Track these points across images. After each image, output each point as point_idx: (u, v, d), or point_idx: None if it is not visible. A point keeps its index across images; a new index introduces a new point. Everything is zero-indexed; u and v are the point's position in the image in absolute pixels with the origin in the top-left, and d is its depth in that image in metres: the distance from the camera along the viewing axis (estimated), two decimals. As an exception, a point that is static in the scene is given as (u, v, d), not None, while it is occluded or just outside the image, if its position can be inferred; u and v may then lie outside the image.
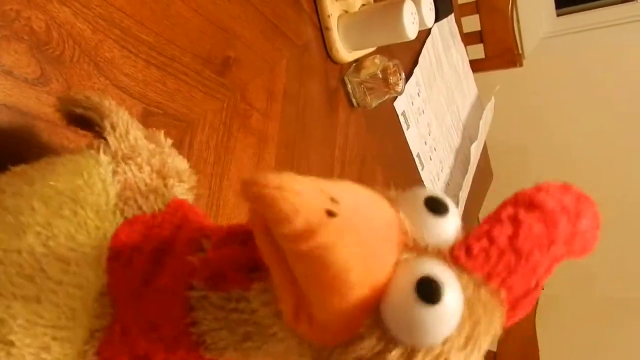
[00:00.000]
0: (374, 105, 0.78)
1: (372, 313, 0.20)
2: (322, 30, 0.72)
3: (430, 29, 1.07)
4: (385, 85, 0.76)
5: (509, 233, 0.21)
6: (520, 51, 1.36)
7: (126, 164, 0.30)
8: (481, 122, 1.22)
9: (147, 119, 0.44)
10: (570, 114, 1.84)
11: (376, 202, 0.20)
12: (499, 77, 1.35)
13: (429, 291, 0.19)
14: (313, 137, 0.69)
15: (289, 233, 0.16)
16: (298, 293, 0.20)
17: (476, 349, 0.21)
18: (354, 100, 0.78)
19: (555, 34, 1.88)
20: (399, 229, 0.21)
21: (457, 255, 0.21)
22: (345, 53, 0.73)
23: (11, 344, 0.23)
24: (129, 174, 0.30)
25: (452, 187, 1.12)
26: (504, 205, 0.22)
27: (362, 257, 0.18)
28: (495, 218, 0.22)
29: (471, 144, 1.17)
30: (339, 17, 0.73)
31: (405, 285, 0.19)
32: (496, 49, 1.35)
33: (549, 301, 1.27)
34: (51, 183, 0.26)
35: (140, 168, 0.30)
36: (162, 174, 0.31)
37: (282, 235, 0.17)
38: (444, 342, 0.20)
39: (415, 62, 1.00)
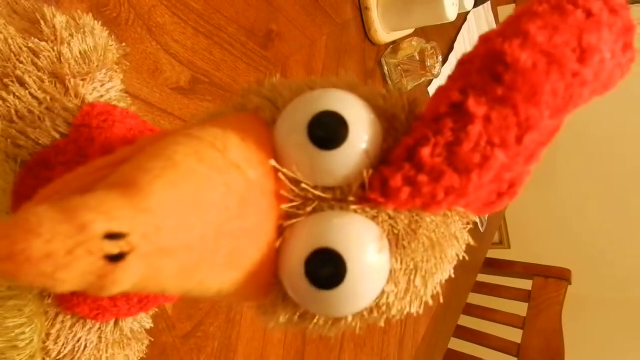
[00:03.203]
0: (409, 87, 0.78)
1: (275, 287, 0.17)
2: (361, 9, 0.72)
3: (466, 16, 1.06)
4: (422, 67, 0.75)
5: (446, 141, 0.14)
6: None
7: (4, 87, 0.22)
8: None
9: (195, 86, 0.45)
10: (597, 110, 1.81)
11: (215, 177, 0.14)
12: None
13: (322, 275, 0.15)
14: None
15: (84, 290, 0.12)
16: None
17: (421, 292, 0.17)
18: (390, 82, 0.78)
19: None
20: (274, 182, 0.16)
21: (371, 197, 0.15)
22: (383, 34, 0.73)
23: None
24: (10, 100, 0.22)
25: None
26: (446, 89, 0.15)
27: (204, 269, 0.14)
28: (430, 118, 0.15)
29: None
30: (379, -3, 0.73)
31: (294, 268, 0.15)
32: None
33: (577, 300, 1.25)
34: None
35: (23, 85, 0.22)
36: (58, 74, 0.23)
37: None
38: (377, 306, 0.16)
39: (450, 49, 0.99)
